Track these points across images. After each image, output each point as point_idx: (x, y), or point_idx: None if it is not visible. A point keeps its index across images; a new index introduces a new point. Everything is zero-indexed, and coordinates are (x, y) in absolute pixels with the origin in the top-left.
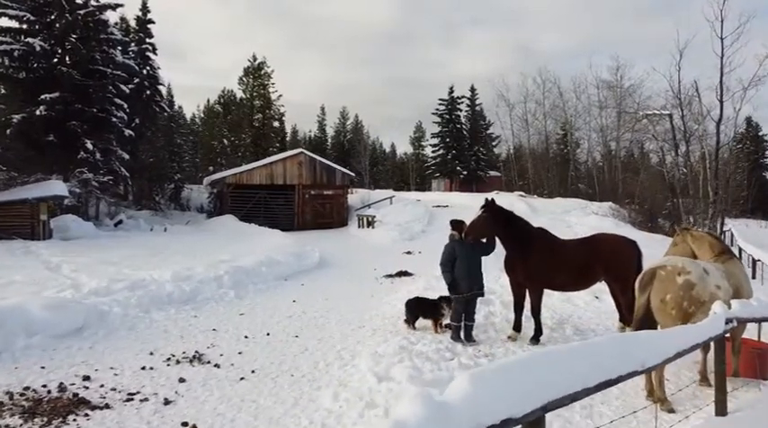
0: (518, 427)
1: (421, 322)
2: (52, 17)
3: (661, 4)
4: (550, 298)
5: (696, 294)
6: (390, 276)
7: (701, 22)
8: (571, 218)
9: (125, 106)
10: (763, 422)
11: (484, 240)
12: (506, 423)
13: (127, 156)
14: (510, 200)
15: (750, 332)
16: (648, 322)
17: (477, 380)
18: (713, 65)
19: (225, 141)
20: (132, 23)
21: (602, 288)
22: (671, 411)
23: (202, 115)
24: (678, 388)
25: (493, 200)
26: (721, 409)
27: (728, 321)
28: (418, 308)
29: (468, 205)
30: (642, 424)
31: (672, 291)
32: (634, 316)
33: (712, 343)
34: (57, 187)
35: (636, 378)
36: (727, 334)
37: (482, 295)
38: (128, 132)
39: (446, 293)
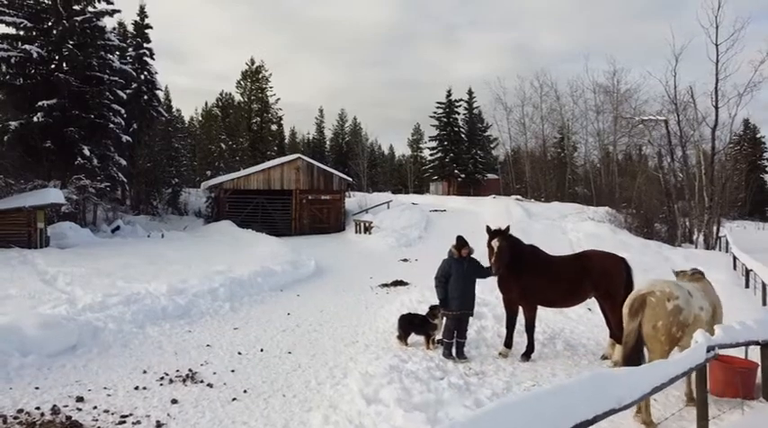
0: None
1: (414, 337)
2: (49, 24)
3: (658, 8)
4: (544, 311)
5: (683, 319)
6: (386, 285)
7: (697, 28)
8: (567, 224)
9: (122, 112)
10: None
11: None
12: None
13: (124, 162)
14: (506, 204)
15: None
16: (639, 347)
17: None
18: (709, 70)
19: (222, 145)
20: (130, 29)
21: (594, 300)
22: None
23: (201, 118)
24: (668, 410)
25: (507, 227)
26: None
27: (710, 349)
28: (411, 325)
29: (464, 209)
30: None
31: (663, 318)
32: (624, 342)
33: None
34: (53, 195)
35: None
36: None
37: (471, 315)
38: (125, 138)
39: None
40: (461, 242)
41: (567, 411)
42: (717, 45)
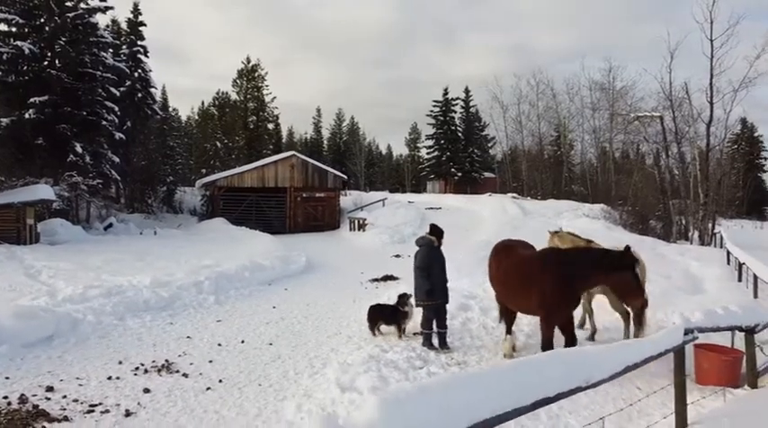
0: None
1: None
2: (41, 20)
3: (654, 5)
4: None
5: None
6: (376, 280)
7: (692, 24)
8: (561, 221)
9: (116, 109)
10: None
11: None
12: None
13: (117, 159)
14: (502, 202)
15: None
16: None
17: (388, 404)
18: (704, 66)
19: (218, 144)
20: (124, 26)
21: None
22: None
23: (197, 117)
24: (647, 395)
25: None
26: (681, 422)
27: (688, 332)
28: (379, 315)
29: (460, 207)
30: None
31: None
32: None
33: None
34: (43, 191)
35: (608, 388)
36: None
37: (446, 302)
38: (119, 135)
39: (410, 292)
40: (438, 230)
41: (530, 386)
42: (711, 41)
